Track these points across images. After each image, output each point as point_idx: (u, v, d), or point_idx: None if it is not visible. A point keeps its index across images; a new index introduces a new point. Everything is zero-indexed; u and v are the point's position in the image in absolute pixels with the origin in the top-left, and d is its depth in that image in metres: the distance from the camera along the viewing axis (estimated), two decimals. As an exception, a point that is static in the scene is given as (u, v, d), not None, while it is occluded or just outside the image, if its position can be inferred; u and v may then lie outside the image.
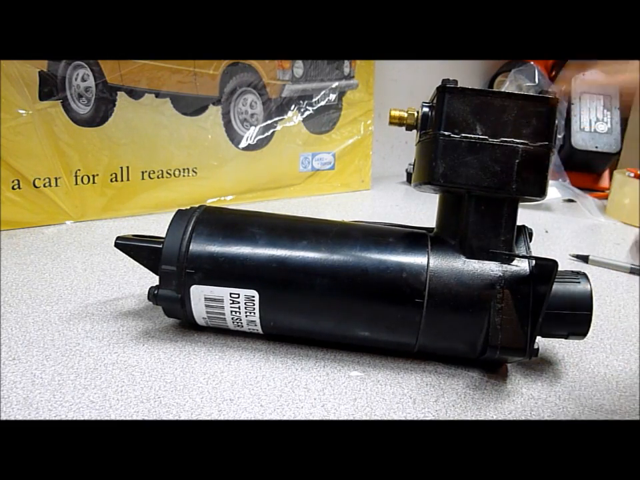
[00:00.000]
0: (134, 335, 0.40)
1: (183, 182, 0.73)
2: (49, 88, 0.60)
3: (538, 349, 0.34)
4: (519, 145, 0.34)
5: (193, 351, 0.38)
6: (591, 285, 0.36)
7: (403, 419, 0.32)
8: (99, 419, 0.30)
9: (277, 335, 0.39)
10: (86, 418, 0.30)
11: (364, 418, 0.32)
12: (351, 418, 0.32)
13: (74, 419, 0.30)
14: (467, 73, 1.13)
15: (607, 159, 1.00)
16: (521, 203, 0.36)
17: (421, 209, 0.83)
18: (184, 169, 0.73)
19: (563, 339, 0.38)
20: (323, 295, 0.35)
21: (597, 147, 0.97)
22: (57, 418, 0.30)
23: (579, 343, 0.43)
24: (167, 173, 0.72)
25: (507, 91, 0.34)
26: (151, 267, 0.38)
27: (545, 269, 0.33)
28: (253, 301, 0.36)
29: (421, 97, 0.39)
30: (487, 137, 0.34)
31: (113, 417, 0.30)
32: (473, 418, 0.33)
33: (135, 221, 0.68)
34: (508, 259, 0.35)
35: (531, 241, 0.37)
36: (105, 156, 0.66)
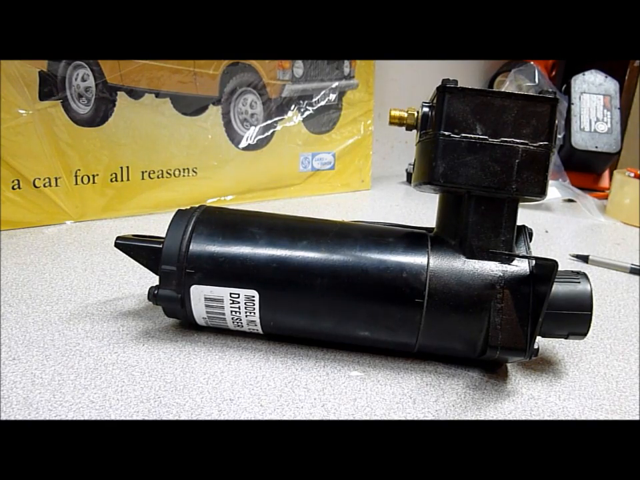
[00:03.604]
0: (134, 334, 0.40)
1: (183, 182, 0.73)
2: (49, 88, 0.60)
3: (538, 348, 0.34)
4: (519, 145, 0.34)
5: (193, 350, 0.38)
6: (591, 285, 0.36)
7: (403, 419, 0.32)
8: (98, 418, 0.30)
9: (277, 334, 0.39)
10: (86, 418, 0.30)
11: (364, 418, 0.32)
12: (351, 418, 0.32)
13: (74, 419, 0.30)
14: (466, 73, 1.13)
15: (606, 159, 1.00)
16: (520, 203, 0.36)
17: (421, 209, 0.83)
18: (184, 169, 0.73)
19: (563, 339, 0.38)
20: (323, 294, 0.35)
21: (597, 147, 0.97)
22: (57, 418, 0.30)
23: (578, 343, 0.43)
24: (167, 172, 0.72)
25: (507, 91, 0.34)
26: (151, 267, 0.38)
27: (545, 268, 0.33)
28: (253, 301, 0.36)
29: (421, 97, 0.39)
30: (487, 137, 0.34)
31: (112, 417, 0.30)
32: (473, 418, 0.33)
33: (135, 221, 0.67)
34: (508, 259, 0.35)
35: (531, 240, 0.37)
36: (105, 156, 0.66)
